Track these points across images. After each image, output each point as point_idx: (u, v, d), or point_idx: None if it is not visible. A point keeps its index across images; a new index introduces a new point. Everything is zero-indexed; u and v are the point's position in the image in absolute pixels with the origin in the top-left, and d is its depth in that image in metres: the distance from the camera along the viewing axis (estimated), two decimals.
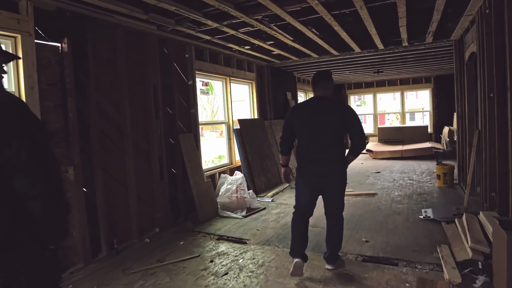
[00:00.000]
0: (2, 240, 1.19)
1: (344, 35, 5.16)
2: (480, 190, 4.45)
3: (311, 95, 11.67)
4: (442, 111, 11.59)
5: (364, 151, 10.80)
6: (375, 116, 12.99)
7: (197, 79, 5.33)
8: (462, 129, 5.93)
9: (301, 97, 10.77)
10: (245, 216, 4.81)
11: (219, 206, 5.01)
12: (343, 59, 7.42)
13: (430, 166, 8.42)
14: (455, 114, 11.26)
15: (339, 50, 6.50)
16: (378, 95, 13.02)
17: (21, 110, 1.28)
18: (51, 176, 1.29)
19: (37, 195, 1.22)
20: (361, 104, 17.64)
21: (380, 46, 6.17)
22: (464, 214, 3.85)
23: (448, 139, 9.70)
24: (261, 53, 6.33)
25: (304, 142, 2.99)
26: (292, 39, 5.27)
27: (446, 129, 10.72)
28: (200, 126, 5.38)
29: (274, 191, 6.14)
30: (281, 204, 5.46)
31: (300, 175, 3.06)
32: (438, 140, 11.49)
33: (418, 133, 11.29)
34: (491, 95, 3.93)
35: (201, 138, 5.48)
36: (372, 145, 11.27)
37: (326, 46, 5.91)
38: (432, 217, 4.28)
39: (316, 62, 7.71)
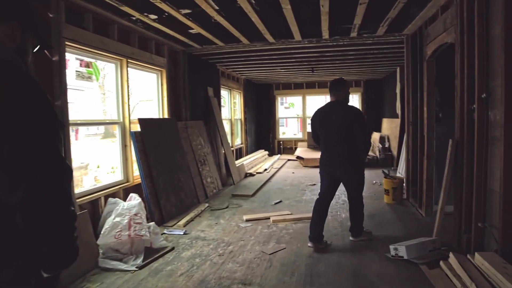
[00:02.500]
0: None
1: (287, 10, 3.83)
2: (456, 216, 3.47)
3: (236, 93, 10.47)
4: (371, 116, 11.19)
5: (294, 157, 9.79)
6: (304, 120, 12.16)
7: (71, 55, 3.49)
8: (414, 137, 5.08)
9: (225, 95, 9.33)
10: (140, 267, 3.15)
11: (101, 252, 3.25)
12: (277, 50, 6.16)
13: (367, 175, 7.62)
14: (383, 120, 11.04)
15: (276, 36, 5.19)
16: (308, 98, 12.22)
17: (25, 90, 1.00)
18: (43, 172, 0.97)
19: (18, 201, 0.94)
20: (289, 107, 16.84)
21: (326, 34, 5.02)
22: (450, 255, 2.83)
23: (380, 146, 9.16)
24: (174, 30, 4.69)
25: (322, 139, 3.73)
26: (217, 8, 3.77)
27: (375, 135, 10.27)
28: (75, 127, 3.52)
29: (188, 217, 4.55)
30: (197, 238, 3.90)
31: (321, 166, 3.88)
32: None
33: None
34: (483, 95, 2.95)
35: (77, 144, 3.61)
36: (301, 151, 10.33)
37: (261, 27, 4.53)
38: (405, 257, 3.16)
39: (244, 52, 6.32)
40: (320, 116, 3.67)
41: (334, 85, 3.65)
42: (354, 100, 11.56)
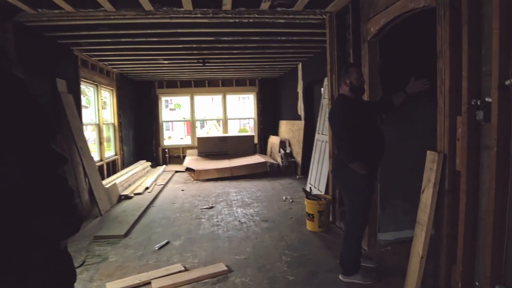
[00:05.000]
0: None
1: None
2: (441, 266, 2.32)
3: (106, 91, 7.91)
4: (268, 118, 10.19)
5: (183, 169, 8.00)
6: (192, 123, 10.44)
7: None
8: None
9: (90, 93, 6.99)
10: None
11: None
12: (158, 27, 4.35)
13: (267, 187, 6.43)
14: (281, 122, 10.13)
15: (155, 0, 3.42)
16: (197, 98, 10.54)
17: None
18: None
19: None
20: (175, 108, 14.79)
21: (228, 2, 3.48)
22: None
23: (283, 152, 8.10)
24: None
25: None
26: None
27: (273, 139, 9.28)
28: None
29: None
30: None
31: None
32: (263, 151, 10.00)
33: (244, 144, 9.44)
34: (507, 82, 1.83)
35: None
36: (191, 161, 8.60)
37: None
38: None
39: (111, 29, 4.32)
40: None
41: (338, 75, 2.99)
42: (249, 101, 10.41)
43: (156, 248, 3.59)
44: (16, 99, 1.02)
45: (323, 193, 5.11)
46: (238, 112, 15.59)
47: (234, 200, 5.53)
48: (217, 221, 4.45)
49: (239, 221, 4.43)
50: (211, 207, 5.12)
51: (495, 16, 1.87)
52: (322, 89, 6.60)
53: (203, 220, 4.53)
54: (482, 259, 2.08)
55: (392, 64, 3.29)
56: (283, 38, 5.16)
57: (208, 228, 4.20)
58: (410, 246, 3.47)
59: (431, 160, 2.32)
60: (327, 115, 5.91)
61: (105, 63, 6.81)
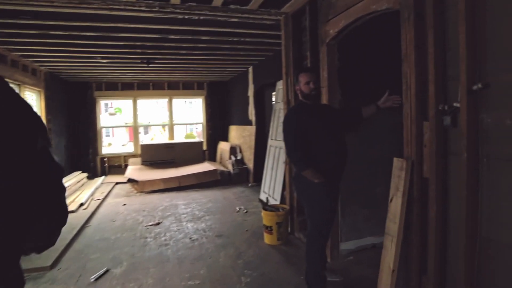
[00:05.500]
0: None
1: None
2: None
3: (32, 92, 7.06)
4: (217, 123, 9.86)
5: (125, 180, 7.38)
6: (135, 129, 9.76)
7: None
8: None
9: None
10: None
11: None
12: (96, 19, 3.87)
13: (219, 197, 6.12)
14: (231, 128, 9.84)
15: None
16: (140, 101, 9.88)
17: None
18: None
19: None
20: (116, 112, 13.83)
21: None
22: None
23: (234, 159, 7.82)
24: None
25: None
26: None
27: (223, 145, 8.97)
28: None
29: None
30: None
31: None
32: (212, 158, 9.64)
33: (192, 151, 9.01)
34: (476, 87, 1.75)
35: None
36: (134, 170, 7.98)
37: None
38: None
39: (36, 17, 3.74)
40: None
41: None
42: (197, 105, 10.00)
43: (92, 280, 3.04)
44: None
45: (278, 201, 4.93)
46: (185, 117, 15.04)
47: (184, 214, 5.12)
48: (165, 240, 4.03)
49: (190, 238, 4.06)
50: (158, 223, 4.67)
51: (461, 20, 1.80)
52: (274, 93, 6.47)
53: (148, 239, 4.08)
54: (454, 268, 1.99)
55: (352, 68, 3.19)
56: (235, 39, 4.92)
57: (155, 248, 3.77)
58: (371, 254, 3.40)
59: (399, 168, 2.20)
60: (280, 120, 5.79)
61: (29, 59, 5.98)
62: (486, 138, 1.79)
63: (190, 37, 4.73)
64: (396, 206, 2.18)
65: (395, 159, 2.28)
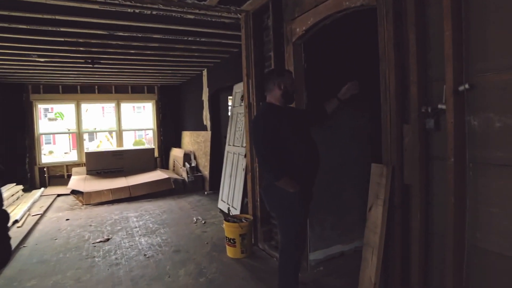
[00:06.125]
0: None
1: None
2: None
3: None
4: (169, 129, 9.37)
5: (68, 191, 6.68)
6: (79, 135, 8.96)
7: None
8: None
9: None
10: None
11: None
12: (29, 10, 3.36)
13: (174, 207, 5.74)
14: (184, 133, 9.39)
15: None
16: (85, 106, 9.09)
17: None
18: None
19: None
20: (56, 118, 12.69)
21: None
22: None
23: (188, 166, 7.43)
24: None
25: None
26: None
27: (176, 152, 8.54)
28: None
29: None
30: None
31: None
32: (165, 165, 9.13)
33: (143, 159, 8.46)
34: (462, 87, 1.68)
35: None
36: (79, 181, 7.26)
37: None
38: None
39: None
40: None
41: (264, 78, 2.58)
42: (147, 110, 9.43)
43: None
44: None
45: (238, 210, 4.68)
46: (134, 122, 14.24)
47: (136, 227, 4.66)
48: (116, 258, 3.59)
49: (145, 255, 3.65)
50: (107, 239, 4.19)
51: (447, 17, 1.69)
52: (230, 97, 6.23)
53: (97, 259, 3.60)
54: (439, 279, 1.88)
55: (319, 69, 3.05)
56: (190, 39, 4.60)
57: (104, 270, 3.32)
58: (341, 262, 3.27)
59: (378, 174, 2.06)
60: (238, 125, 5.55)
61: None
62: (472, 142, 1.71)
63: (140, 35, 4.33)
64: (376, 215, 2.04)
65: (373, 164, 2.14)
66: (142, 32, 4.22)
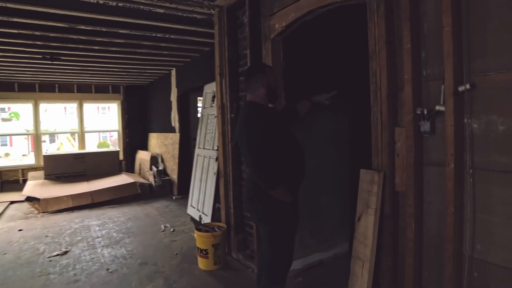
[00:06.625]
0: None
1: None
2: None
3: None
4: (135, 131, 8.92)
5: (22, 198, 6.11)
6: (37, 137, 8.30)
7: None
8: (238, 162, 3.38)
9: None
10: None
11: None
12: None
13: (140, 214, 5.41)
14: (151, 135, 8.94)
15: None
16: (44, 105, 8.45)
17: None
18: None
19: None
20: (12, 118, 11.79)
21: None
22: None
23: (155, 169, 7.05)
24: None
25: None
26: None
27: (143, 155, 8.14)
28: None
29: None
30: None
31: None
32: (130, 169, 8.67)
33: (107, 162, 7.98)
34: (463, 87, 1.57)
35: None
36: (35, 186, 6.69)
37: None
38: None
39: None
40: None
41: (245, 76, 2.33)
42: (112, 110, 8.94)
43: None
44: None
45: (209, 216, 4.43)
46: (98, 123, 13.50)
47: (98, 237, 4.28)
48: (75, 274, 3.22)
49: (108, 269, 3.31)
50: (65, 252, 3.79)
51: (446, 11, 1.57)
52: (200, 98, 5.96)
53: (52, 276, 3.21)
54: None
55: (299, 68, 2.88)
56: (159, 35, 4.30)
57: (61, 285, 2.95)
58: (321, 272, 3.10)
59: (369, 181, 1.91)
60: (209, 127, 5.29)
61: None
62: (472, 146, 1.59)
63: (105, 30, 3.99)
64: (366, 225, 1.89)
65: (363, 171, 1.99)
66: (107, 27, 3.88)
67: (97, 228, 4.68)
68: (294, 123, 2.81)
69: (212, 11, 3.46)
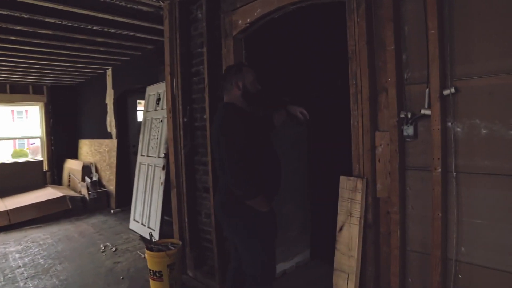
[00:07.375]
0: None
1: None
2: None
3: None
4: (62, 137, 7.97)
5: None
6: None
7: None
8: (192, 170, 3.10)
9: None
10: None
11: None
12: None
13: (73, 233, 4.80)
14: (81, 142, 8.06)
15: None
16: None
17: None
18: None
19: None
20: None
21: None
22: None
23: (89, 180, 6.34)
24: None
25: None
26: None
27: (73, 164, 7.33)
28: None
29: None
30: None
31: None
32: (58, 181, 7.73)
33: (28, 174, 6.99)
34: (448, 91, 1.55)
35: None
36: None
37: None
38: None
39: None
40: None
41: (222, 75, 2.18)
42: (32, 114, 7.91)
43: None
44: None
45: (157, 231, 4.05)
46: (13, 129, 11.89)
47: (19, 267, 3.59)
48: None
49: None
50: None
51: (432, 14, 1.53)
52: (141, 100, 5.51)
53: None
54: None
55: (260, 69, 2.71)
56: (95, 28, 3.81)
57: None
58: (286, 284, 2.96)
59: (351, 189, 1.80)
60: (153, 132, 4.87)
61: None
62: (456, 150, 1.56)
63: (27, 16, 3.38)
64: (350, 235, 1.78)
65: (343, 178, 1.88)
66: (30, 13, 3.29)
67: (17, 255, 3.95)
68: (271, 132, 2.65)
69: (162, 3, 3.14)
